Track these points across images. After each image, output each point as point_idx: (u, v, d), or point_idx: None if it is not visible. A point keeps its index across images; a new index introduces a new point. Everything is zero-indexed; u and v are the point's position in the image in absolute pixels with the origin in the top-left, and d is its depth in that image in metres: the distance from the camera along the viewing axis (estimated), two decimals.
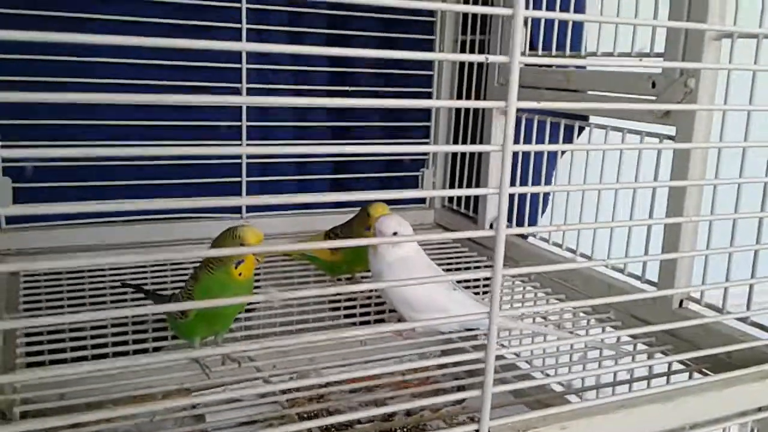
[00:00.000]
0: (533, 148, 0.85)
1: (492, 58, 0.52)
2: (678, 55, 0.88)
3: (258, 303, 0.83)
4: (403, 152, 1.03)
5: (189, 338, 0.81)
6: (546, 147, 0.89)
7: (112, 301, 1.04)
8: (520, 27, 0.52)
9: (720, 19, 0.84)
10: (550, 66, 1.01)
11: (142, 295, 1.00)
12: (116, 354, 0.90)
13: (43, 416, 0.69)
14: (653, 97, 0.92)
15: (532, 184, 1.25)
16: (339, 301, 1.00)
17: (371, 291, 1.02)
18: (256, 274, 0.85)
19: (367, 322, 0.98)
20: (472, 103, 0.57)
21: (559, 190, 0.81)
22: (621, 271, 1.02)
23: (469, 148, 1.13)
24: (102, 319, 0.91)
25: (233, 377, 0.80)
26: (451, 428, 0.62)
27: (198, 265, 0.82)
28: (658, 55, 0.93)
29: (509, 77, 0.53)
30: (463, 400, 0.98)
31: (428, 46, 1.37)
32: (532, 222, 1.26)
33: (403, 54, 0.50)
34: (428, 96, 1.41)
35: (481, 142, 1.29)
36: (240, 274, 0.77)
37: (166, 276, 1.10)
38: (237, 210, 1.29)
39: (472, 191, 0.76)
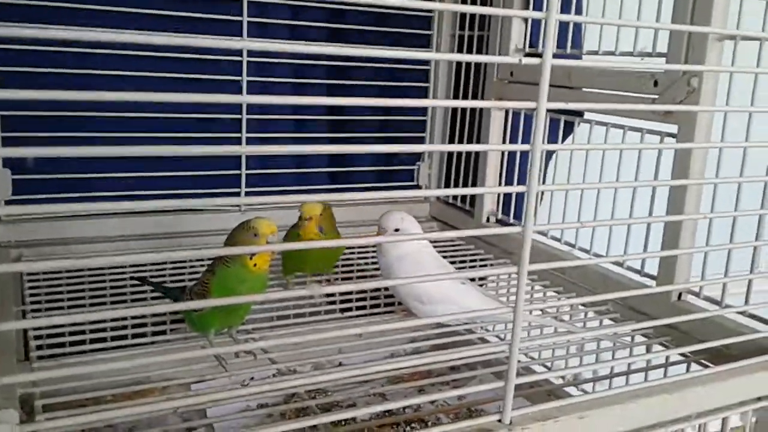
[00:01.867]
0: (562, 147, 0.87)
1: (525, 61, 0.54)
2: (681, 55, 0.90)
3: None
4: (401, 150, 1.04)
5: (204, 331, 0.82)
6: (573, 146, 0.91)
7: (112, 294, 1.04)
8: (552, 29, 0.54)
9: (723, 21, 0.87)
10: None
11: (140, 284, 1.01)
12: (115, 347, 0.90)
13: (59, 409, 0.70)
14: (654, 96, 0.95)
15: (523, 181, 1.27)
16: (351, 293, 1.02)
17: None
18: None
19: (377, 314, 1.00)
20: (503, 104, 0.58)
21: (585, 187, 0.83)
22: (620, 264, 1.04)
23: (498, 147, 1.14)
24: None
25: (249, 369, 0.81)
26: (474, 419, 0.64)
27: (212, 258, 0.83)
28: (661, 54, 0.95)
29: (541, 79, 0.54)
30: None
31: (425, 40, 1.39)
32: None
33: (439, 56, 0.51)
34: (425, 90, 1.42)
35: (478, 137, 1.31)
36: (255, 265, 0.78)
37: (165, 266, 1.10)
38: (236, 203, 1.29)
39: (502, 189, 0.78)
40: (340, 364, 1.07)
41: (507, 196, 1.29)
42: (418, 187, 1.47)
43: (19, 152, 0.45)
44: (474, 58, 0.86)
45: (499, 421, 0.63)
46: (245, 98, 1.04)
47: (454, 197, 1.42)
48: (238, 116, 1.27)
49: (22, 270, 0.97)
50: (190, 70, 1.22)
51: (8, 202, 1.13)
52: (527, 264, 0.59)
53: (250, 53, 1.25)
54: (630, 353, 0.93)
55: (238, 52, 1.24)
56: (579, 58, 1.11)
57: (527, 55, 1.20)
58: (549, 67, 0.54)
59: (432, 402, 0.98)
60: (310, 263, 1.01)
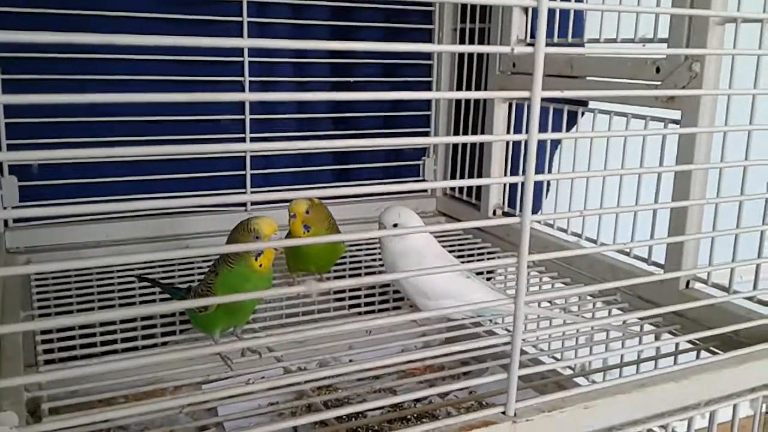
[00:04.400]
0: (558, 136, 0.86)
1: (517, 50, 0.53)
2: (682, 40, 0.89)
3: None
4: (407, 144, 1.03)
5: (209, 331, 0.82)
6: (570, 135, 0.91)
7: (120, 297, 1.05)
8: (544, 18, 0.53)
9: (723, 4, 0.86)
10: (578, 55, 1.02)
11: (149, 288, 1.02)
12: (125, 349, 0.90)
13: (68, 412, 0.70)
14: (657, 82, 0.94)
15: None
16: (359, 289, 1.02)
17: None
18: None
19: (386, 310, 1.00)
20: (497, 94, 0.58)
21: (583, 176, 0.82)
22: (627, 253, 1.04)
23: (494, 138, 1.14)
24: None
25: (255, 369, 0.81)
26: (479, 411, 0.63)
27: (215, 259, 0.83)
28: (662, 40, 0.94)
29: (534, 68, 0.54)
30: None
31: (427, 35, 1.38)
32: (536, 208, 1.28)
33: (437, 48, 0.51)
34: (428, 84, 1.42)
35: (482, 130, 1.30)
36: (260, 266, 0.78)
37: (173, 268, 1.11)
38: (242, 203, 1.29)
39: (499, 180, 0.77)
40: (351, 362, 1.07)
41: (513, 190, 1.28)
42: (423, 182, 1.46)
43: (26, 156, 0.45)
44: (467, 48, 0.86)
45: (503, 413, 0.63)
46: (247, 96, 1.04)
47: (460, 191, 1.41)
48: (242, 117, 1.27)
49: (23, 272, 0.98)
50: (192, 73, 1.22)
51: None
52: (526, 254, 0.58)
53: (252, 53, 1.25)
54: (639, 342, 0.92)
55: (240, 53, 1.24)
56: (581, 46, 1.10)
57: (529, 45, 1.19)
58: (542, 56, 0.53)
59: (442, 396, 0.97)
60: (304, 261, 0.99)
